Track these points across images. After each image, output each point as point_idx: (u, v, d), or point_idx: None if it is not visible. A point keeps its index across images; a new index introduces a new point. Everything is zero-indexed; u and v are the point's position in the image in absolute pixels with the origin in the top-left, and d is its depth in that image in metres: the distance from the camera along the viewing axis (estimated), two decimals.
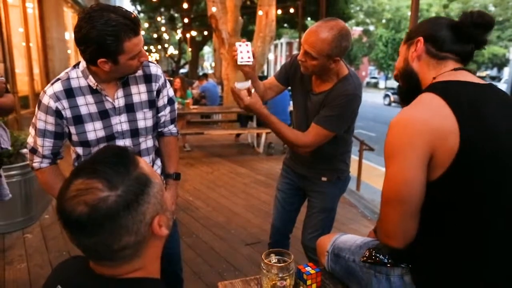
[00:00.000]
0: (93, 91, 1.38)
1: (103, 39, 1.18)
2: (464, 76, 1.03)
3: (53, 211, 3.63)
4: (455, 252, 0.98)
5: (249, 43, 1.55)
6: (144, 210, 0.69)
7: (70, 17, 9.29)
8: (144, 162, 0.75)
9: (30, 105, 5.88)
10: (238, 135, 7.38)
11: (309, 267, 1.19)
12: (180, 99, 6.72)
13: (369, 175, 5.67)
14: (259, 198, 4.23)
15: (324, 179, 1.88)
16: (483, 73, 35.56)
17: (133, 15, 1.25)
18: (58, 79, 1.38)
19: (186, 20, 18.12)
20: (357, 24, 32.08)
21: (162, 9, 20.08)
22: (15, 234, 3.11)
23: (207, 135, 6.89)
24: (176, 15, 20.88)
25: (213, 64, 23.11)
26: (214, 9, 8.31)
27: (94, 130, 1.40)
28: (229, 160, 5.96)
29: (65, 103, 1.35)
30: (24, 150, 3.28)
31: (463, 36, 1.05)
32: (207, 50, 40.80)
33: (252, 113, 1.63)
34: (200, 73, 11.62)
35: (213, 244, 3.07)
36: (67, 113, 1.36)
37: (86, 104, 1.38)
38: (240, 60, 1.51)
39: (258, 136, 6.64)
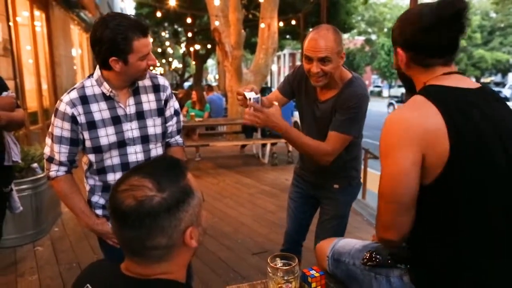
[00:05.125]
0: (106, 98, 1.47)
1: (114, 37, 1.31)
2: (454, 80, 1.04)
3: (62, 224, 3.69)
4: (451, 252, 1.01)
5: (259, 95, 1.56)
6: (181, 217, 0.75)
7: (76, 34, 9.50)
8: (191, 177, 0.82)
9: (39, 121, 5.99)
10: (243, 146, 7.43)
11: (313, 271, 1.23)
12: (195, 111, 6.90)
13: (375, 184, 5.66)
14: (265, 208, 4.26)
15: (336, 186, 1.90)
16: (487, 79, 35.48)
17: (143, 21, 1.39)
18: (74, 88, 1.48)
19: (189, 34, 18.41)
20: (359, 34, 32.35)
21: (166, 24, 20.39)
22: (26, 247, 3.17)
23: (213, 147, 6.95)
24: (179, 29, 21.19)
25: (217, 77, 23.33)
26: (217, 23, 8.47)
27: (106, 135, 1.47)
28: (234, 171, 6.01)
29: (80, 109, 1.43)
30: (35, 165, 3.35)
31: (442, 37, 1.02)
32: (210, 63, 41.26)
33: (268, 126, 1.59)
34: (203, 84, 11.78)
35: (220, 253, 3.11)
36: (82, 119, 1.44)
37: (99, 111, 1.46)
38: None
39: (263, 146, 6.69)
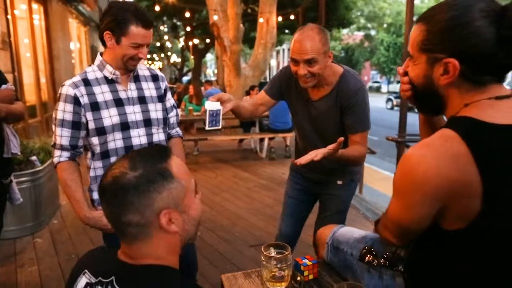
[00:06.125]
0: (108, 81, 1.53)
1: (117, 14, 1.41)
2: (505, 111, 0.80)
3: (61, 216, 3.73)
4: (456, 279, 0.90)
5: (220, 108, 1.50)
6: (153, 197, 0.78)
7: (75, 28, 9.48)
8: (177, 164, 0.83)
9: (37, 114, 6.00)
10: (241, 140, 7.46)
11: (306, 259, 1.27)
12: (192, 105, 6.89)
13: (371, 179, 5.71)
14: (262, 201, 4.31)
15: (339, 182, 1.90)
16: None
17: (149, 16, 1.45)
18: (77, 75, 1.54)
19: (188, 29, 18.34)
20: (358, 29, 32.24)
21: (165, 18, 20.32)
22: (26, 239, 3.21)
23: (211, 141, 6.98)
24: (178, 23, 21.13)
25: (215, 71, 23.30)
26: (215, 17, 8.46)
27: (109, 116, 1.50)
28: (232, 165, 6.05)
29: (82, 89, 1.48)
30: (34, 158, 3.38)
31: None
32: (209, 57, 41.15)
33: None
34: (203, 80, 11.80)
35: (218, 246, 3.15)
36: (85, 99, 1.48)
37: (102, 93, 1.51)
38: (208, 126, 1.49)
39: (261, 141, 6.73)
